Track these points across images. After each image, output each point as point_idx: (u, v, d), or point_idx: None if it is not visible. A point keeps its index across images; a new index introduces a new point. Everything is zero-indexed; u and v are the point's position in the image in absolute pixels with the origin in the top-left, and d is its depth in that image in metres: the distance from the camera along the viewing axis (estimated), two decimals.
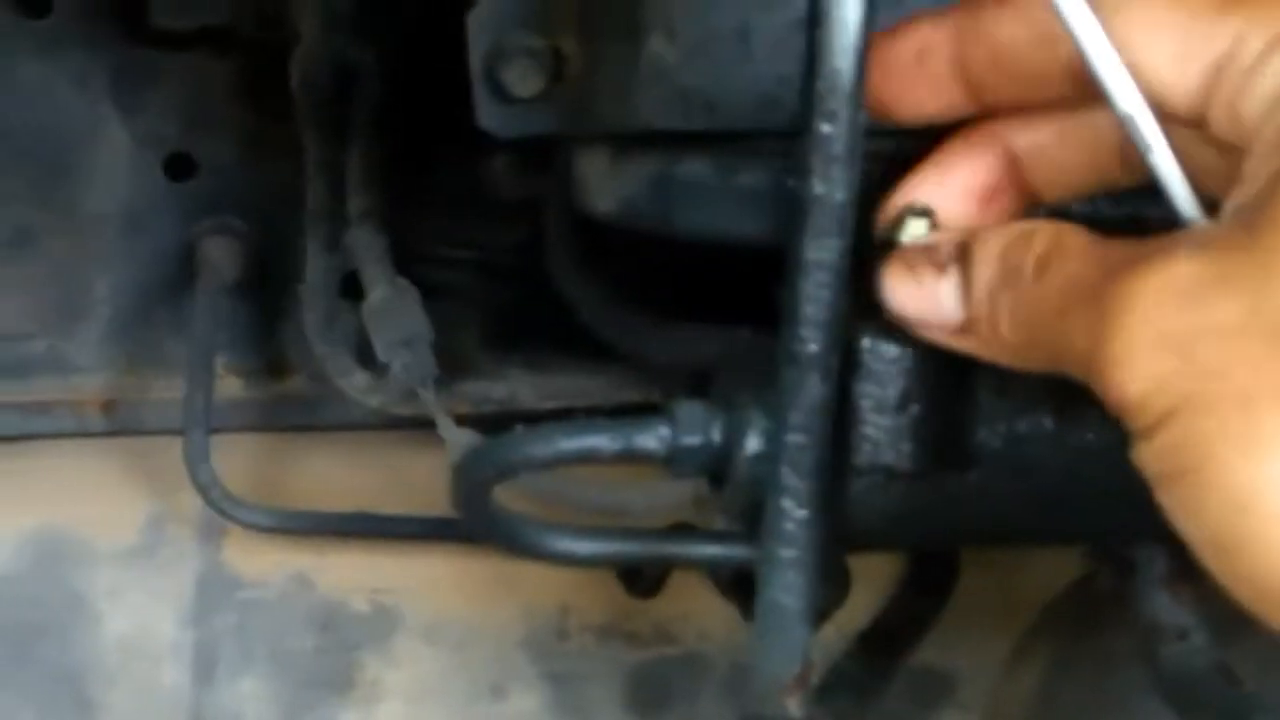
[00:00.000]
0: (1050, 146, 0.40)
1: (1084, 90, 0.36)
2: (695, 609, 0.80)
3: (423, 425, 0.79)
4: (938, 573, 0.54)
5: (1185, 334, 0.32)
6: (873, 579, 0.60)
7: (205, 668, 0.76)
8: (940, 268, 0.38)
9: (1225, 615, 0.48)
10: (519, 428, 0.41)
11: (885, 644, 0.48)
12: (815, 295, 0.37)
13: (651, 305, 0.64)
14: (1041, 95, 0.38)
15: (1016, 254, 0.36)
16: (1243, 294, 0.32)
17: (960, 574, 0.56)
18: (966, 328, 0.37)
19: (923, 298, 0.38)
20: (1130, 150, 0.37)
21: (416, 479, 0.80)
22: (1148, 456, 0.34)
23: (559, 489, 0.67)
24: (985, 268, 0.37)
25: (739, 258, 0.60)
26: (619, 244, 0.66)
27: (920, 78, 0.38)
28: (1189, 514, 0.33)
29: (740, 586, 0.54)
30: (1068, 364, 0.35)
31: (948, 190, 0.40)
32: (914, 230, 0.38)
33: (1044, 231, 0.36)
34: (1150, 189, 0.36)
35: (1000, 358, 0.37)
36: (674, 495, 0.66)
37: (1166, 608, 0.50)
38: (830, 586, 0.47)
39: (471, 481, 0.42)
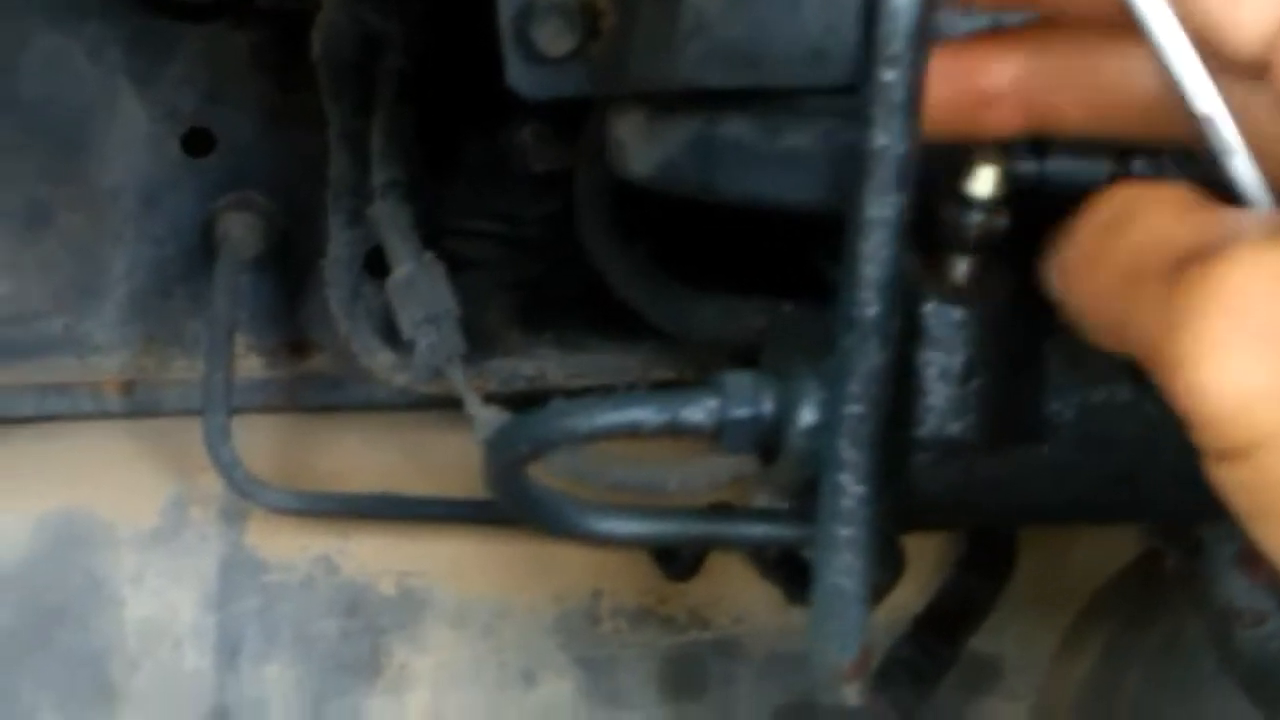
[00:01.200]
0: (1077, 71, 0.35)
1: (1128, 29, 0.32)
2: (731, 592, 0.78)
3: (450, 405, 0.77)
4: (995, 554, 0.51)
5: None
6: (924, 560, 0.57)
7: (228, 653, 0.74)
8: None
9: None
10: (555, 401, 0.39)
11: (942, 629, 0.46)
12: (875, 255, 0.34)
13: (688, 277, 0.61)
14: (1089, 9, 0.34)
15: (1108, 204, 0.32)
16: None
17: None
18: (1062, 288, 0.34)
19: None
20: (1158, 103, 0.33)
21: (444, 460, 0.78)
22: (1229, 483, 0.29)
23: (590, 468, 0.65)
24: (1081, 221, 0.33)
25: (780, 227, 0.57)
26: (654, 213, 0.64)
27: None
28: None
29: (785, 567, 0.51)
30: (1133, 346, 0.30)
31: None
32: (983, 178, 0.35)
33: (1122, 187, 0.32)
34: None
35: (1085, 328, 0.33)
36: (711, 474, 0.63)
37: (1242, 590, 0.47)
38: (883, 568, 0.44)
39: (505, 458, 0.40)
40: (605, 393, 0.39)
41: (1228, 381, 0.27)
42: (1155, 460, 0.39)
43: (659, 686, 0.77)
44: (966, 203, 0.36)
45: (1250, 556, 0.46)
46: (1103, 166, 0.41)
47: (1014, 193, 0.37)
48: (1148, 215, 0.31)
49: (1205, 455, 0.29)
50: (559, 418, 0.38)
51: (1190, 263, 0.28)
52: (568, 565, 0.78)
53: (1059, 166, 0.42)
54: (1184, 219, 0.30)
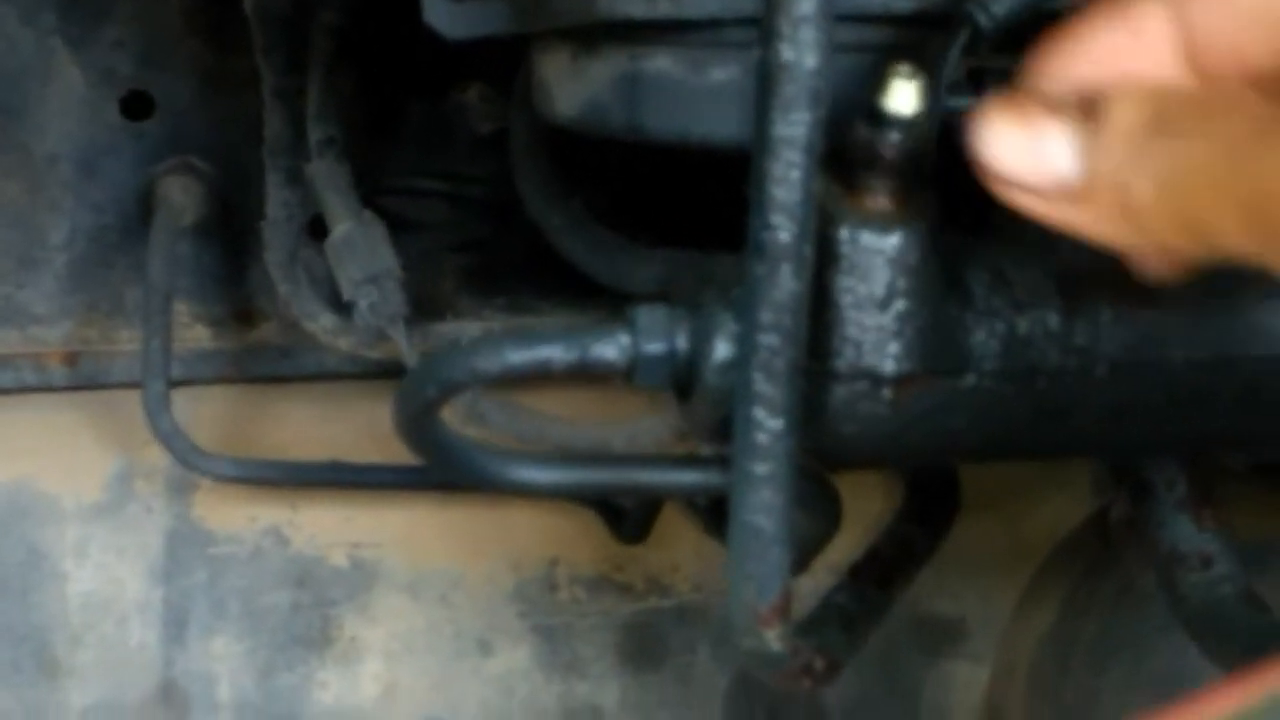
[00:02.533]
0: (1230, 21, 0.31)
1: None
2: (688, 559, 0.77)
3: (399, 373, 0.76)
4: (936, 501, 0.50)
5: None
6: (869, 514, 0.56)
7: (175, 627, 0.73)
8: (1060, 114, 0.31)
9: (1251, 541, 0.44)
10: (463, 340, 0.37)
11: (877, 575, 0.44)
12: (785, 176, 0.33)
13: (626, 230, 0.60)
14: None
15: (1173, 100, 0.30)
16: None
17: (962, 512, 0.52)
18: (1085, 190, 0.31)
19: (1032, 150, 0.31)
20: None
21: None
22: None
23: (537, 428, 0.63)
24: (1127, 114, 0.30)
25: (718, 177, 0.56)
26: (590, 164, 0.62)
27: None
28: None
29: (722, 520, 0.50)
30: (1236, 225, 0.28)
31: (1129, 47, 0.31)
32: (902, 93, 0.33)
33: (1204, 85, 0.30)
34: None
35: (1122, 235, 0.31)
36: (657, 432, 0.62)
37: (1189, 534, 0.46)
38: (820, 518, 0.43)
39: (414, 403, 0.38)
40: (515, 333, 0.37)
41: None
42: (1085, 393, 0.38)
43: (617, 654, 0.76)
44: (883, 120, 0.34)
45: (1197, 500, 0.45)
46: None
47: (945, 128, 0.36)
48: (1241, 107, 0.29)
49: None
50: (467, 357, 0.37)
51: None
52: (523, 533, 0.76)
53: None
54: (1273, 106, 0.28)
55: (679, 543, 0.77)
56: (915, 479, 0.50)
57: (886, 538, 0.46)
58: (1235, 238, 0.28)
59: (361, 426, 0.77)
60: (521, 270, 0.77)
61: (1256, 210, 0.28)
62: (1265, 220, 0.28)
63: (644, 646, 0.77)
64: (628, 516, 0.70)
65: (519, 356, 0.36)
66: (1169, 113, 0.30)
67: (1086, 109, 0.31)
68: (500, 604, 0.76)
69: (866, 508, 0.65)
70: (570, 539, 0.77)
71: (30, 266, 0.75)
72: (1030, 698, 0.64)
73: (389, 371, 0.78)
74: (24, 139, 0.73)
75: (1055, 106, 0.31)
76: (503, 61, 0.69)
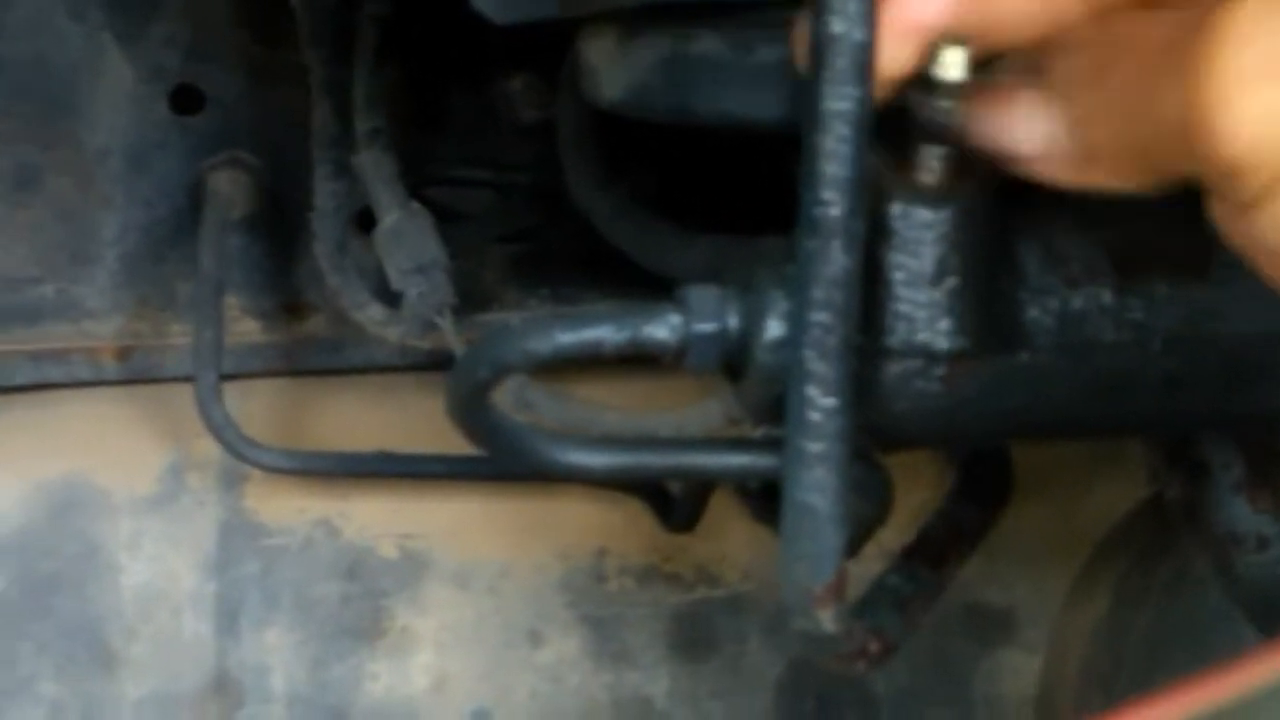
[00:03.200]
0: None
1: None
2: (737, 548, 0.77)
3: (447, 364, 0.76)
4: (989, 483, 0.50)
5: None
6: (919, 502, 0.56)
7: (228, 618, 0.73)
8: (1018, 87, 0.34)
9: None
10: (513, 321, 0.37)
11: (931, 557, 0.44)
12: (836, 151, 0.33)
13: (673, 217, 0.60)
14: None
15: (1096, 44, 0.32)
16: None
17: (1013, 500, 0.52)
18: (1055, 149, 0.33)
19: (1006, 125, 0.34)
20: None
21: (444, 422, 0.77)
22: (1262, 230, 0.29)
23: (585, 416, 0.63)
24: (1065, 68, 0.33)
25: (766, 163, 0.55)
26: (638, 150, 0.62)
27: None
28: None
29: (774, 505, 0.50)
30: (1165, 147, 0.30)
31: None
32: (951, 61, 0.33)
33: (1121, 16, 0.32)
34: None
35: (1103, 178, 0.33)
36: (706, 419, 0.62)
37: (1244, 515, 0.45)
38: (872, 501, 0.43)
39: (466, 386, 0.38)
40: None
41: (1247, 111, 0.28)
42: (1141, 369, 0.37)
43: (667, 644, 0.76)
44: (934, 88, 0.34)
45: (1253, 481, 0.44)
46: None
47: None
48: (1150, 30, 0.30)
49: (1243, 214, 0.29)
50: (518, 339, 0.37)
51: (1191, 31, 0.29)
52: (571, 524, 0.76)
53: None
54: (1173, 15, 0.30)
55: (728, 533, 0.76)
56: (968, 460, 0.49)
57: (939, 519, 0.46)
58: (1172, 162, 0.31)
59: (410, 418, 0.77)
60: (566, 261, 0.77)
61: (1164, 138, 0.30)
62: (1174, 146, 0.30)
63: (693, 636, 0.77)
64: (677, 505, 0.70)
65: (570, 337, 0.36)
66: (1096, 58, 0.32)
67: (1038, 71, 0.34)
68: (549, 594, 0.76)
69: (916, 496, 0.64)
70: (618, 529, 0.77)
71: (83, 262, 0.76)
72: (1083, 686, 0.63)
73: (437, 363, 0.78)
74: (75, 135, 0.74)
75: (1015, 80, 0.34)
76: (548, 50, 0.69)
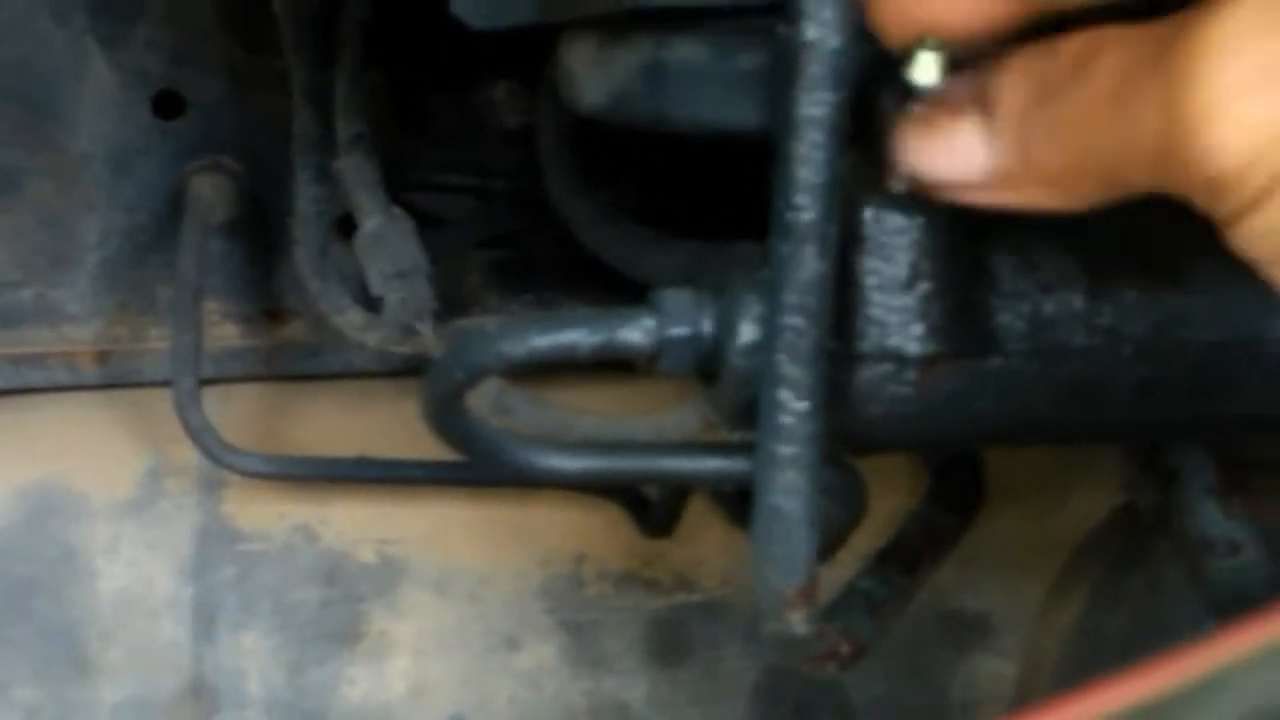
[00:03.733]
0: None
1: None
2: (715, 554, 0.77)
3: (426, 370, 0.76)
4: (962, 488, 0.50)
5: None
6: (891, 508, 0.56)
7: (205, 623, 0.73)
8: (957, 112, 0.33)
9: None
10: (488, 324, 0.37)
11: (904, 561, 0.44)
12: (809, 157, 0.33)
13: (653, 224, 0.60)
14: None
15: (1045, 65, 0.32)
16: None
17: (988, 507, 0.52)
18: (1004, 174, 0.33)
19: (945, 152, 0.33)
20: None
21: (421, 427, 0.77)
22: (1250, 237, 0.29)
23: (563, 421, 0.63)
24: (1011, 92, 0.32)
25: (744, 170, 0.56)
26: (619, 157, 0.62)
27: None
28: None
29: (749, 510, 0.50)
30: (1135, 164, 0.30)
31: None
32: (925, 65, 0.34)
33: (1072, 35, 0.31)
34: None
35: (1051, 199, 0.33)
36: (682, 424, 0.62)
37: (1216, 521, 0.45)
38: (845, 505, 0.43)
39: (442, 389, 0.38)
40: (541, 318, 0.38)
41: (1234, 122, 0.27)
42: (1112, 374, 0.37)
43: (644, 650, 0.76)
44: (907, 92, 0.34)
45: (1224, 487, 0.45)
46: None
47: None
48: (1107, 50, 0.30)
49: (1225, 226, 0.29)
50: (493, 341, 0.37)
51: (1169, 45, 0.28)
52: (550, 529, 0.77)
53: None
54: (1136, 32, 0.30)
55: (706, 538, 0.77)
56: (940, 466, 0.50)
57: (912, 524, 0.46)
58: (1140, 179, 0.30)
59: (389, 424, 0.77)
60: (548, 267, 0.77)
61: (1134, 156, 0.30)
62: (1146, 163, 0.30)
63: (671, 642, 0.77)
64: (654, 510, 0.70)
65: (544, 340, 0.37)
66: (1046, 79, 0.32)
67: (981, 99, 0.33)
68: (528, 600, 0.76)
69: (889, 501, 0.65)
70: (597, 535, 0.77)
71: (63, 265, 0.76)
72: (1058, 691, 0.64)
73: (416, 369, 0.78)
74: (57, 139, 0.74)
75: (955, 107, 0.33)
76: (531, 56, 0.69)
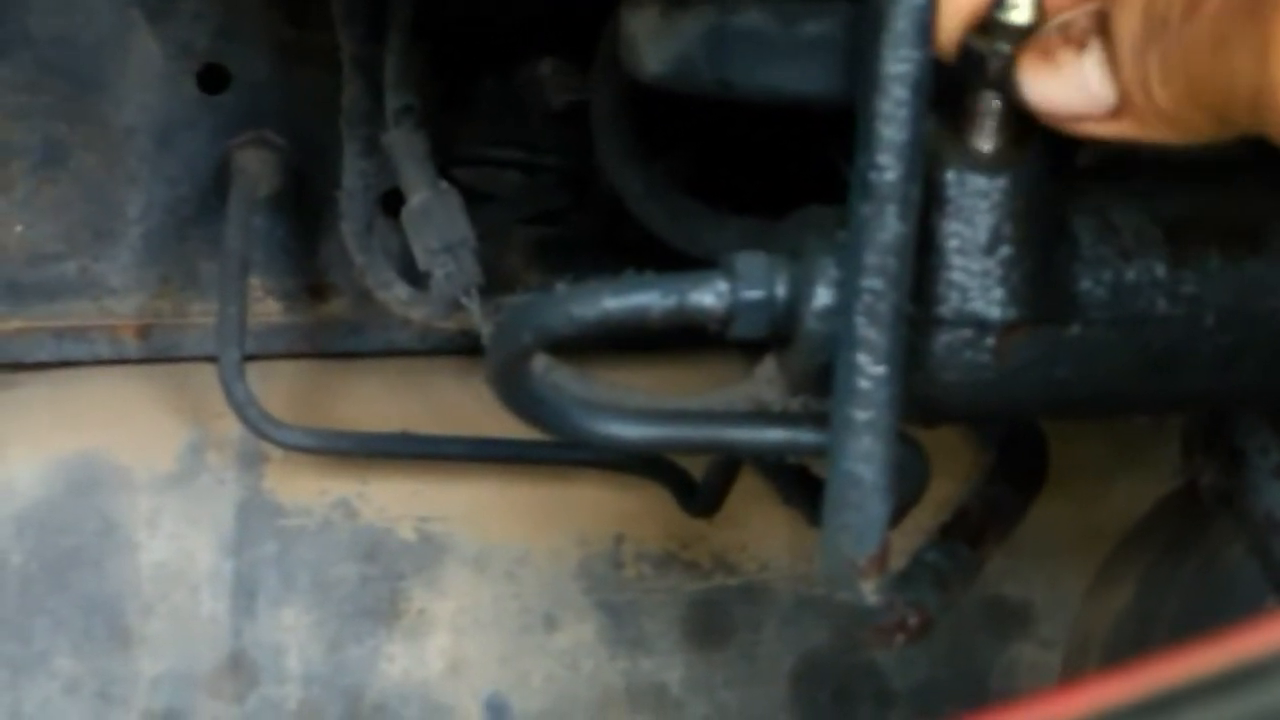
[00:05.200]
0: None
1: None
2: (755, 537, 0.77)
3: (468, 351, 0.76)
4: (1025, 464, 0.49)
5: None
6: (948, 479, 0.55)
7: (245, 597, 0.73)
8: (1079, 44, 0.33)
9: None
10: (558, 286, 0.37)
11: (969, 534, 0.44)
12: (894, 115, 0.32)
13: (707, 198, 0.59)
14: None
15: (1157, 2, 0.32)
16: None
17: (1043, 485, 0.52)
18: (1120, 106, 0.33)
19: (1068, 84, 0.34)
20: None
21: (463, 406, 0.77)
22: None
23: (609, 397, 0.63)
24: (1128, 26, 0.33)
25: (801, 142, 0.55)
26: (673, 130, 0.62)
27: None
28: None
29: (804, 486, 0.49)
30: (1235, 107, 0.31)
31: None
32: (1020, 6, 0.33)
33: None
34: None
35: (1161, 132, 0.33)
36: (733, 403, 0.61)
37: None
38: (908, 479, 0.42)
39: (508, 350, 0.38)
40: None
41: None
42: (1194, 343, 0.37)
43: (682, 632, 0.76)
44: (1002, 31, 0.34)
45: None
46: None
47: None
48: None
49: None
50: (563, 303, 0.37)
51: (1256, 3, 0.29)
52: (590, 509, 0.76)
53: None
54: None
55: (746, 521, 0.76)
56: (1004, 441, 0.49)
57: (975, 499, 0.46)
58: (1243, 120, 0.31)
59: (429, 403, 0.77)
60: (590, 247, 0.77)
61: (1234, 99, 0.31)
62: (1245, 107, 0.31)
63: (710, 625, 0.76)
64: (700, 489, 0.69)
65: (617, 303, 0.36)
66: (1159, 16, 0.33)
67: (1101, 30, 0.34)
68: (566, 579, 0.76)
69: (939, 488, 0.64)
70: (636, 515, 0.76)
71: (106, 239, 0.76)
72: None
73: (456, 348, 0.78)
74: (102, 111, 0.74)
75: (1075, 38, 0.34)
76: (577, 34, 0.69)
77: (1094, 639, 0.63)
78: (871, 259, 0.34)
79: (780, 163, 0.61)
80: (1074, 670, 0.67)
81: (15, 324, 0.77)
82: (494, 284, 0.71)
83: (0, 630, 0.71)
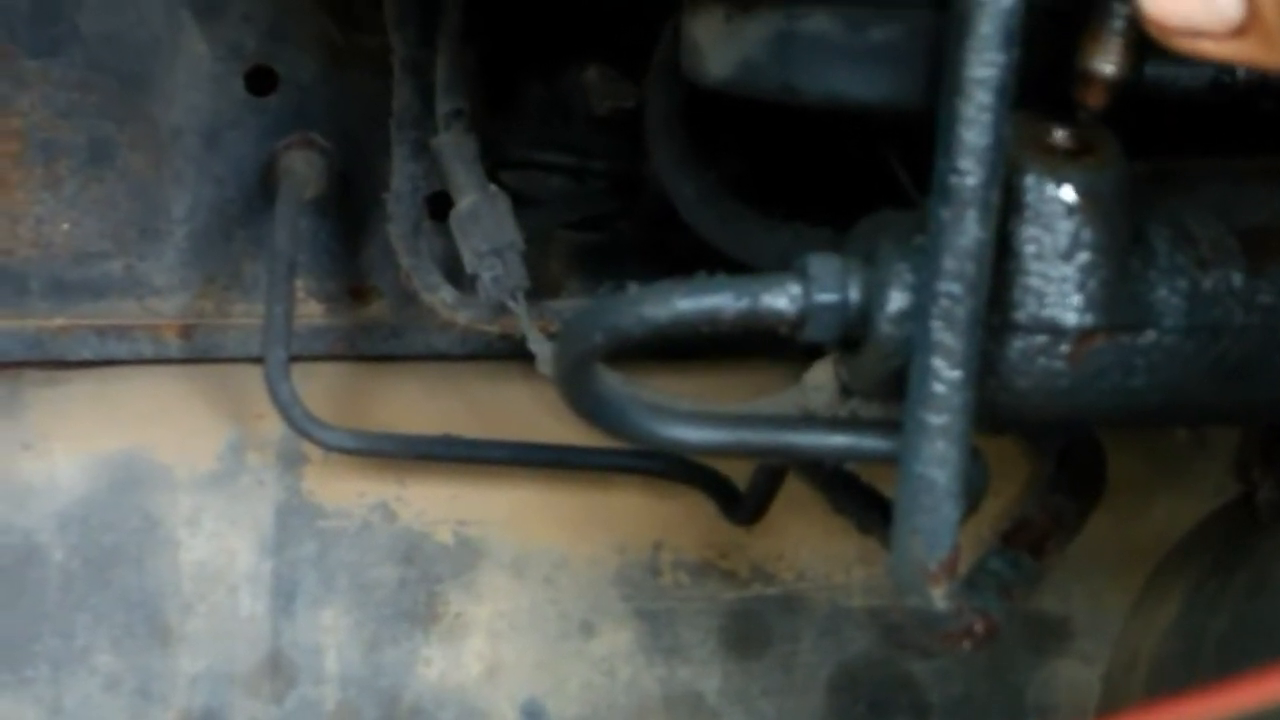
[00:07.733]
0: None
1: None
2: (794, 547, 0.77)
3: (508, 356, 0.76)
4: (1084, 474, 0.49)
5: None
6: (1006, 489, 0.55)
7: (284, 598, 0.73)
8: None
9: None
10: (632, 286, 0.37)
11: (1030, 543, 0.44)
12: (976, 119, 0.32)
13: (761, 205, 0.59)
14: None
15: None
16: None
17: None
18: (1246, 23, 0.32)
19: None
20: None
21: (503, 410, 0.77)
22: None
23: (661, 405, 0.63)
24: None
25: (856, 150, 0.55)
26: (728, 137, 0.62)
27: None
28: None
29: (854, 494, 0.49)
30: None
31: None
32: None
33: None
34: None
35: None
36: (781, 410, 0.61)
37: None
38: (968, 485, 0.42)
39: (577, 349, 0.38)
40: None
41: None
42: (1269, 354, 0.37)
43: (720, 641, 0.76)
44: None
45: None
46: (1205, 71, 0.39)
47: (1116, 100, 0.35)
48: None
49: None
50: (633, 305, 0.37)
51: None
52: (628, 516, 0.76)
53: (1159, 72, 0.40)
54: None
55: (785, 531, 0.76)
56: (1063, 451, 0.49)
57: (1037, 507, 0.45)
58: None
59: (468, 407, 0.77)
60: (633, 252, 0.77)
61: None
62: None
63: (747, 634, 0.76)
64: (745, 498, 0.69)
65: (689, 304, 0.36)
66: None
67: None
68: (603, 586, 0.76)
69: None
70: (675, 523, 0.76)
71: (152, 238, 0.76)
72: (1153, 691, 0.63)
73: (495, 353, 0.78)
74: (150, 111, 0.74)
75: None
76: (623, 41, 0.69)
77: (1140, 654, 0.63)
78: (950, 264, 0.34)
79: (835, 169, 0.61)
80: (1118, 685, 0.67)
81: (59, 321, 0.77)
82: (535, 289, 0.71)
83: (42, 626, 0.71)
